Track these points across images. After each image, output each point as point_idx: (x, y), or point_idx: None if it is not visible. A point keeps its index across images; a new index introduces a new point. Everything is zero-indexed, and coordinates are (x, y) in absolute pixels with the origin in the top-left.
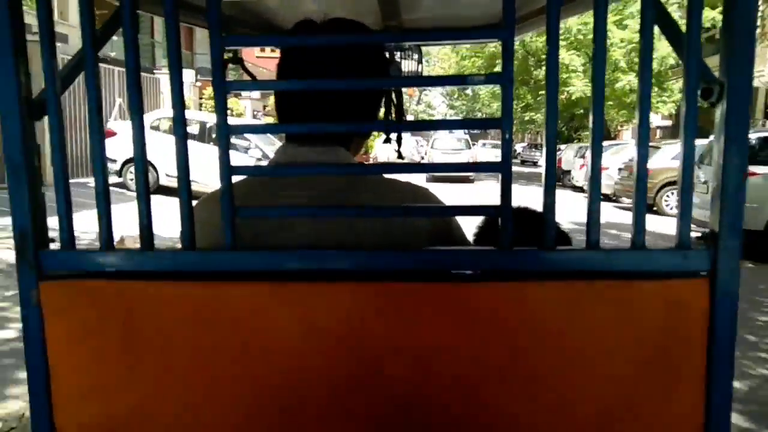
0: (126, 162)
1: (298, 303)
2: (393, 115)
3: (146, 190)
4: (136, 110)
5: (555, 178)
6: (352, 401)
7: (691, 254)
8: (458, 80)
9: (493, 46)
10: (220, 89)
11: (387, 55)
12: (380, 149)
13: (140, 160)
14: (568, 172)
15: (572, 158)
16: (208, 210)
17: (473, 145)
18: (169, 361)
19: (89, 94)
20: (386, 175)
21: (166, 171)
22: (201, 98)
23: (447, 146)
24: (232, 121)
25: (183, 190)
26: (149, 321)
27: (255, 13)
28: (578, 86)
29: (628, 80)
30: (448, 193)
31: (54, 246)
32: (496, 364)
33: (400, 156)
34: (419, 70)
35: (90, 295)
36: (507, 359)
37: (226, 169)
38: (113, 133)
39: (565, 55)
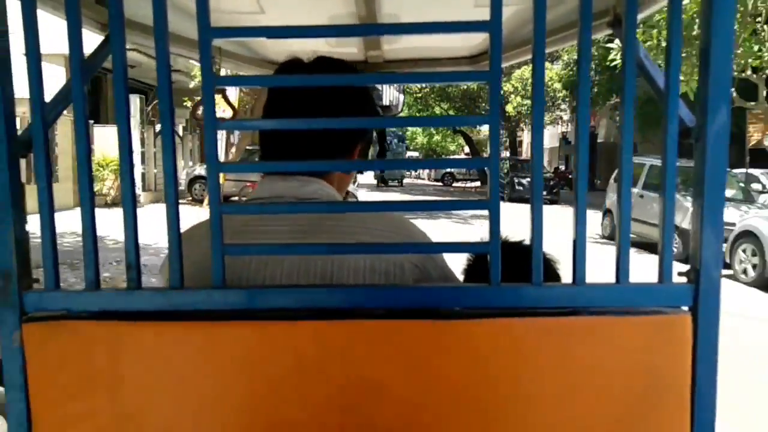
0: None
1: (286, 342)
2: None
3: (134, 227)
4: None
5: (542, 211)
6: None
7: (673, 290)
8: (445, 121)
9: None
10: (211, 126)
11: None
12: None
13: (129, 202)
14: None
15: None
16: (199, 249)
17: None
18: (156, 403)
19: (78, 124)
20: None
21: None
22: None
23: None
24: None
25: (172, 228)
26: (136, 362)
27: (243, 47)
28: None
29: None
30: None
31: (38, 286)
32: (484, 400)
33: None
34: (401, 100)
35: (75, 336)
36: (493, 396)
37: (216, 207)
38: None
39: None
